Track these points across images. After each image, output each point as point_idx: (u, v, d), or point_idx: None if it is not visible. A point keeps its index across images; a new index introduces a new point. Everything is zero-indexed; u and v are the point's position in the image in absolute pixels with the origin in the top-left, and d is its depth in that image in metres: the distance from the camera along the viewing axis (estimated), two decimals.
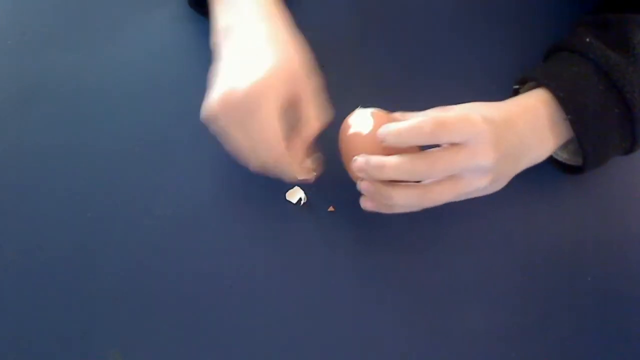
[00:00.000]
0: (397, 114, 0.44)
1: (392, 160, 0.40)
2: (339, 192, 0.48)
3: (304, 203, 0.48)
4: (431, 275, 0.46)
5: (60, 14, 0.56)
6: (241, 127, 0.41)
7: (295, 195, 0.48)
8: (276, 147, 0.41)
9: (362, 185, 0.42)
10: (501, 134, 0.40)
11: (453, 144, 0.40)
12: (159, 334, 0.44)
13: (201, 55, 0.54)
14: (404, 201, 0.41)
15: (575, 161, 0.47)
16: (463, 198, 0.43)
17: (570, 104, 0.42)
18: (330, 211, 0.48)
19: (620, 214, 0.49)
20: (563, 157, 0.48)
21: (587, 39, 0.44)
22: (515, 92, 0.48)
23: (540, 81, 0.44)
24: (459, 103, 0.43)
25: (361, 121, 0.43)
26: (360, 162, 0.41)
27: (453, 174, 0.41)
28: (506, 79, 0.50)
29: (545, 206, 0.49)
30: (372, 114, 0.43)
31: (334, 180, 0.49)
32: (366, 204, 0.43)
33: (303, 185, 0.48)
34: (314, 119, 0.43)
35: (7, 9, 0.57)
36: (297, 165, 0.43)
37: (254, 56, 0.42)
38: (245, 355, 0.43)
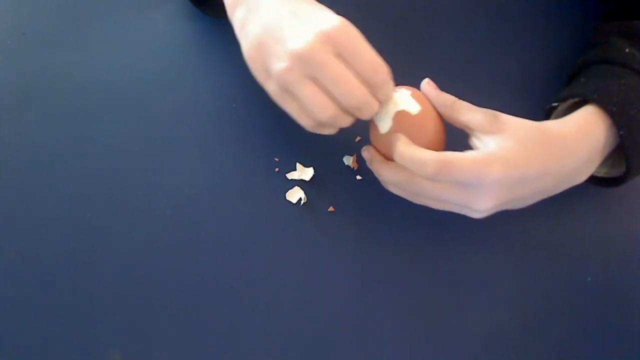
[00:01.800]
0: (449, 99, 0.42)
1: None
2: (339, 192, 0.48)
3: (304, 203, 0.48)
4: (431, 275, 0.46)
5: (60, 14, 0.56)
6: (314, 82, 0.38)
7: (295, 195, 0.48)
8: (383, 67, 0.38)
9: (363, 153, 0.44)
10: (526, 179, 0.38)
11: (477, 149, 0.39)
12: (159, 334, 0.44)
13: (201, 54, 0.54)
14: (388, 177, 0.41)
15: (597, 172, 0.45)
16: (452, 209, 0.42)
17: (622, 118, 0.40)
18: (330, 211, 0.48)
19: (620, 214, 0.49)
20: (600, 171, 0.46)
21: (627, 50, 0.43)
22: (551, 109, 0.46)
23: (589, 97, 0.42)
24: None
25: (408, 101, 0.41)
26: (402, 147, 0.39)
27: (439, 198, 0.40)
28: (508, 78, 0.50)
29: (546, 206, 0.49)
30: (413, 95, 0.42)
31: (334, 180, 0.49)
32: (364, 153, 0.44)
33: (303, 185, 0.48)
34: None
35: (7, 9, 0.57)
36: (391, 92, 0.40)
37: (307, 9, 0.39)
38: (246, 355, 0.43)
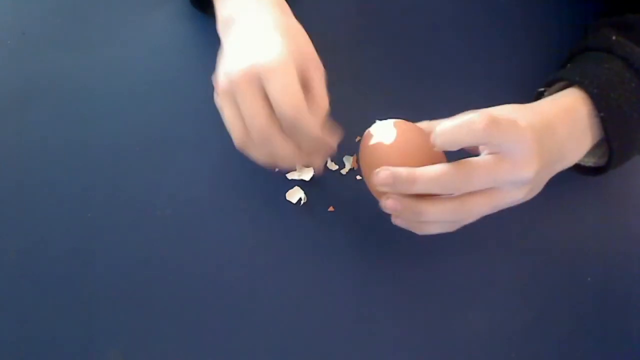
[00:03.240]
0: (423, 123, 0.42)
1: (426, 171, 0.37)
2: (339, 192, 0.48)
3: (304, 203, 0.48)
4: (431, 276, 0.46)
5: (60, 14, 0.56)
6: (256, 92, 0.39)
7: (295, 195, 0.48)
8: (301, 105, 0.38)
9: (388, 205, 0.39)
10: (543, 142, 0.38)
11: (492, 153, 0.37)
12: (159, 334, 0.44)
13: (201, 54, 0.54)
14: (437, 216, 0.38)
15: (588, 162, 0.46)
16: (498, 209, 0.40)
17: (603, 101, 0.41)
18: (330, 211, 0.48)
19: (620, 214, 0.49)
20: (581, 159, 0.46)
21: (614, 37, 0.44)
22: (539, 95, 0.46)
23: (573, 79, 0.42)
24: (461, 105, 0.42)
25: (383, 131, 0.41)
26: (385, 176, 0.37)
27: (492, 186, 0.38)
28: (508, 80, 0.50)
29: (545, 206, 0.49)
30: (395, 124, 0.41)
31: (334, 180, 0.49)
32: (397, 220, 0.41)
33: (303, 185, 0.48)
34: (324, 99, 0.41)
35: (7, 9, 0.57)
36: (317, 128, 0.40)
37: (264, 38, 0.41)
38: (245, 355, 0.43)
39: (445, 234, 0.47)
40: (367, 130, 0.42)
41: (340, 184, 0.49)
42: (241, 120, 0.40)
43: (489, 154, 0.38)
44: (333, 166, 0.49)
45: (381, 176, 0.38)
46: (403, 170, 0.37)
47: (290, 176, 0.49)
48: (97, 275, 0.45)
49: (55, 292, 0.45)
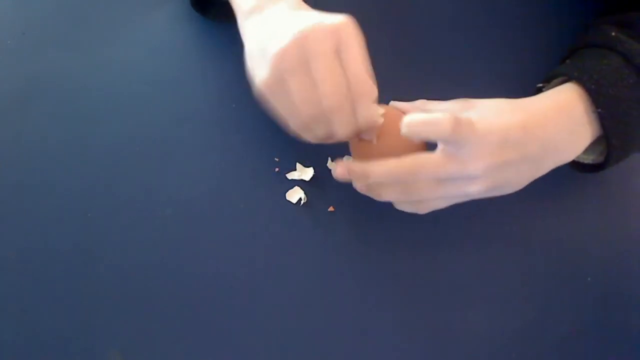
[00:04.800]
0: (418, 102, 0.44)
1: (377, 167, 0.39)
2: (339, 192, 0.48)
3: (304, 203, 0.48)
4: (431, 276, 0.46)
5: (60, 14, 0.56)
6: (305, 72, 0.37)
7: (295, 195, 0.48)
8: (372, 78, 0.39)
9: (337, 172, 0.42)
10: (509, 141, 0.38)
11: (444, 148, 0.39)
12: (159, 334, 0.44)
13: (201, 55, 0.54)
14: (383, 176, 0.40)
15: (587, 159, 0.46)
16: (456, 201, 0.42)
17: (601, 97, 0.41)
18: (330, 211, 0.48)
19: (620, 214, 0.49)
20: (579, 156, 0.46)
21: (613, 33, 0.43)
22: (538, 91, 0.46)
23: (570, 75, 0.42)
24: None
25: None
26: (341, 172, 0.41)
27: (439, 179, 0.40)
28: (508, 79, 0.50)
29: (545, 206, 0.49)
30: (385, 111, 0.42)
31: (334, 180, 0.49)
32: (357, 186, 0.43)
33: (303, 185, 0.48)
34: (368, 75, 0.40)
35: (7, 9, 0.57)
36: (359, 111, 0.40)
37: (312, 14, 0.39)
38: (246, 355, 0.43)
39: (445, 234, 0.47)
40: None
41: (340, 184, 0.49)
42: (312, 91, 0.38)
43: (442, 148, 0.39)
44: (333, 166, 0.49)
45: (338, 172, 0.41)
46: (357, 166, 0.40)
47: (290, 176, 0.49)
48: (96, 275, 0.45)
49: (55, 292, 0.45)
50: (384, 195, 0.42)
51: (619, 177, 0.50)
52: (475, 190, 0.40)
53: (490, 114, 0.39)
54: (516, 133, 0.39)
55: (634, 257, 0.48)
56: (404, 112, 0.42)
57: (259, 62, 0.40)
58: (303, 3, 0.43)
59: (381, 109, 0.42)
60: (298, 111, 0.39)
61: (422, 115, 0.37)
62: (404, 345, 0.44)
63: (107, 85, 0.52)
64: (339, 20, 0.38)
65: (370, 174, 0.40)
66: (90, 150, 0.50)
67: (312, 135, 0.41)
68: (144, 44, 0.55)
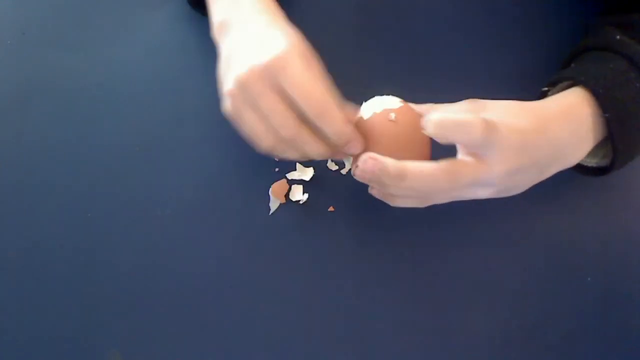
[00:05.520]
0: (426, 106, 0.43)
1: (416, 169, 0.37)
2: (339, 192, 0.48)
3: (304, 203, 0.48)
4: (431, 276, 0.46)
5: (60, 14, 0.56)
6: (254, 109, 0.38)
7: (295, 195, 0.48)
8: (325, 97, 0.38)
9: (358, 173, 0.40)
10: (526, 146, 0.38)
11: (469, 154, 0.38)
12: (159, 334, 0.44)
13: (201, 55, 0.54)
14: (408, 204, 0.40)
15: (590, 162, 0.46)
16: (461, 198, 0.41)
17: (608, 101, 0.40)
18: (330, 211, 0.48)
19: (620, 214, 0.49)
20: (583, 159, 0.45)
21: (618, 37, 0.43)
22: (543, 95, 0.46)
23: (577, 79, 0.42)
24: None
25: (370, 107, 0.41)
26: (371, 167, 0.37)
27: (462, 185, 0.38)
28: (508, 79, 0.50)
29: (546, 206, 0.49)
30: (399, 109, 0.41)
31: (334, 180, 0.49)
32: (372, 191, 0.42)
33: (303, 185, 0.48)
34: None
35: (7, 9, 0.57)
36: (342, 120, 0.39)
37: (265, 36, 0.40)
38: (245, 355, 0.43)
39: (445, 234, 0.47)
40: (371, 101, 0.42)
41: (340, 184, 0.49)
42: (264, 124, 0.39)
43: (467, 154, 0.38)
44: (333, 166, 0.49)
45: (367, 166, 0.38)
46: (391, 164, 0.37)
47: (290, 176, 0.49)
48: (96, 275, 0.45)
49: (55, 292, 0.45)
50: (400, 202, 0.41)
51: (619, 177, 0.50)
52: (485, 194, 0.39)
53: (507, 117, 0.38)
54: (532, 137, 0.38)
55: (634, 257, 0.47)
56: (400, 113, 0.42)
57: (221, 91, 0.42)
58: (271, 10, 0.43)
59: (383, 99, 0.41)
60: (259, 140, 0.40)
61: (453, 117, 0.36)
62: (404, 345, 0.44)
63: (107, 85, 0.53)
64: (273, 54, 0.37)
65: (408, 176, 0.37)
66: (90, 150, 0.50)
67: (284, 157, 0.42)
68: (144, 44, 0.55)
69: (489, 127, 0.36)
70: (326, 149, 0.40)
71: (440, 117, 0.36)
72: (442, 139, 0.37)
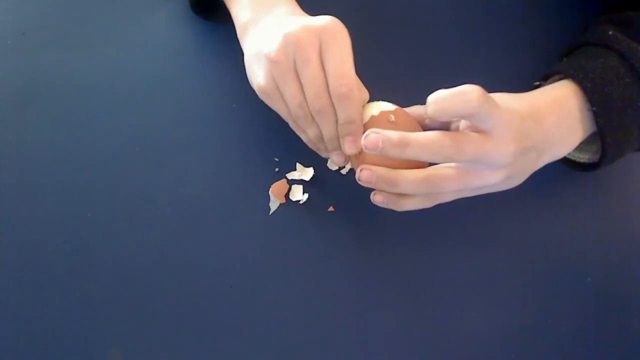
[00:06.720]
0: (413, 108, 0.43)
1: (420, 136, 0.36)
2: (339, 192, 0.48)
3: (303, 203, 0.48)
4: (431, 276, 0.46)
5: (60, 14, 0.56)
6: (294, 78, 0.39)
7: (295, 195, 0.48)
8: (355, 79, 0.38)
9: (363, 176, 0.39)
10: (525, 128, 0.38)
11: (475, 130, 0.37)
12: (159, 334, 0.44)
13: (201, 55, 0.54)
14: (410, 186, 0.38)
15: (582, 158, 0.46)
16: (470, 194, 0.41)
17: (596, 95, 0.41)
18: (330, 211, 0.48)
19: (620, 214, 0.49)
20: (574, 154, 0.46)
21: (610, 32, 0.44)
22: (534, 89, 0.46)
23: (566, 73, 0.43)
24: None
25: (367, 111, 0.41)
26: (374, 138, 0.36)
27: (477, 161, 0.37)
28: (507, 78, 0.50)
29: (545, 206, 0.49)
30: (394, 111, 0.41)
31: (334, 180, 0.49)
32: (376, 197, 0.41)
33: (303, 185, 0.48)
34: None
35: (7, 9, 0.57)
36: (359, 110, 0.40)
37: (304, 17, 0.40)
38: (245, 355, 0.43)
39: (445, 234, 0.47)
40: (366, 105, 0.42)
41: (340, 184, 0.49)
42: (302, 94, 0.39)
43: (467, 125, 0.39)
44: (333, 166, 0.49)
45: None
46: (394, 133, 0.36)
47: (290, 176, 0.49)
48: (96, 274, 0.45)
49: (55, 292, 0.45)
50: (408, 203, 0.40)
51: (618, 177, 0.50)
52: (494, 179, 0.38)
53: (502, 102, 0.38)
54: (528, 121, 0.39)
55: (634, 257, 0.48)
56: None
57: (256, 69, 0.42)
58: (297, 8, 0.44)
59: (378, 104, 0.41)
60: (291, 113, 0.41)
61: (448, 89, 0.35)
62: (403, 345, 0.44)
63: (107, 85, 0.52)
64: (328, 21, 0.38)
65: (411, 142, 0.36)
66: (90, 150, 0.50)
67: (305, 136, 0.43)
68: (144, 44, 0.55)
69: (486, 95, 0.35)
70: (336, 135, 0.40)
71: (437, 93, 0.36)
72: (442, 113, 0.35)
